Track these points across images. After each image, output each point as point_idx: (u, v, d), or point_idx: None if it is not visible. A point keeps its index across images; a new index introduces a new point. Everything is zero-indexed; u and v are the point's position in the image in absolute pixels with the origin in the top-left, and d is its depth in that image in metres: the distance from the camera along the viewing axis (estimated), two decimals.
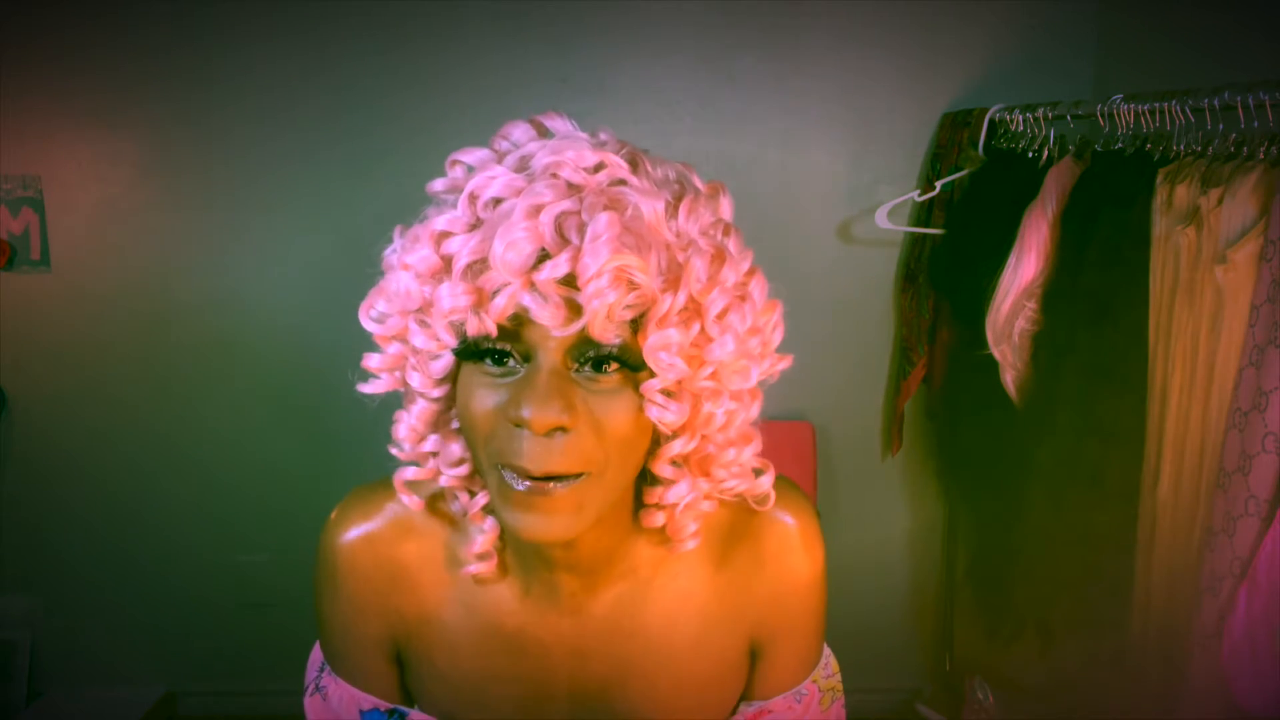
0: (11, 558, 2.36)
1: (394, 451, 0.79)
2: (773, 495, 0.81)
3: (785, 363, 0.75)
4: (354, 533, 0.82)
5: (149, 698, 2.40)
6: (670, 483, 0.75)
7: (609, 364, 0.66)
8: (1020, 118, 1.90)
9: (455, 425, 0.76)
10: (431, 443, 0.77)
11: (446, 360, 0.70)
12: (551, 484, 0.66)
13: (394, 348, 0.72)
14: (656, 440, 0.73)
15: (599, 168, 0.65)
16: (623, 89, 2.23)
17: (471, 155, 0.69)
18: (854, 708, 2.69)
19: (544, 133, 0.70)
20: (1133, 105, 1.55)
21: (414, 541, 0.82)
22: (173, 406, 2.34)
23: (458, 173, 0.70)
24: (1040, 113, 1.83)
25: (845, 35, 2.23)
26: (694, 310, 0.66)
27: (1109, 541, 1.52)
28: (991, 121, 2.04)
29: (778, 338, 0.74)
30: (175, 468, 2.36)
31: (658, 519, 0.78)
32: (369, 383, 0.75)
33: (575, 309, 0.63)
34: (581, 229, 0.62)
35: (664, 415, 0.67)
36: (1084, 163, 1.68)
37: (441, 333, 0.67)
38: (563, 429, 0.65)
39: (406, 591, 0.82)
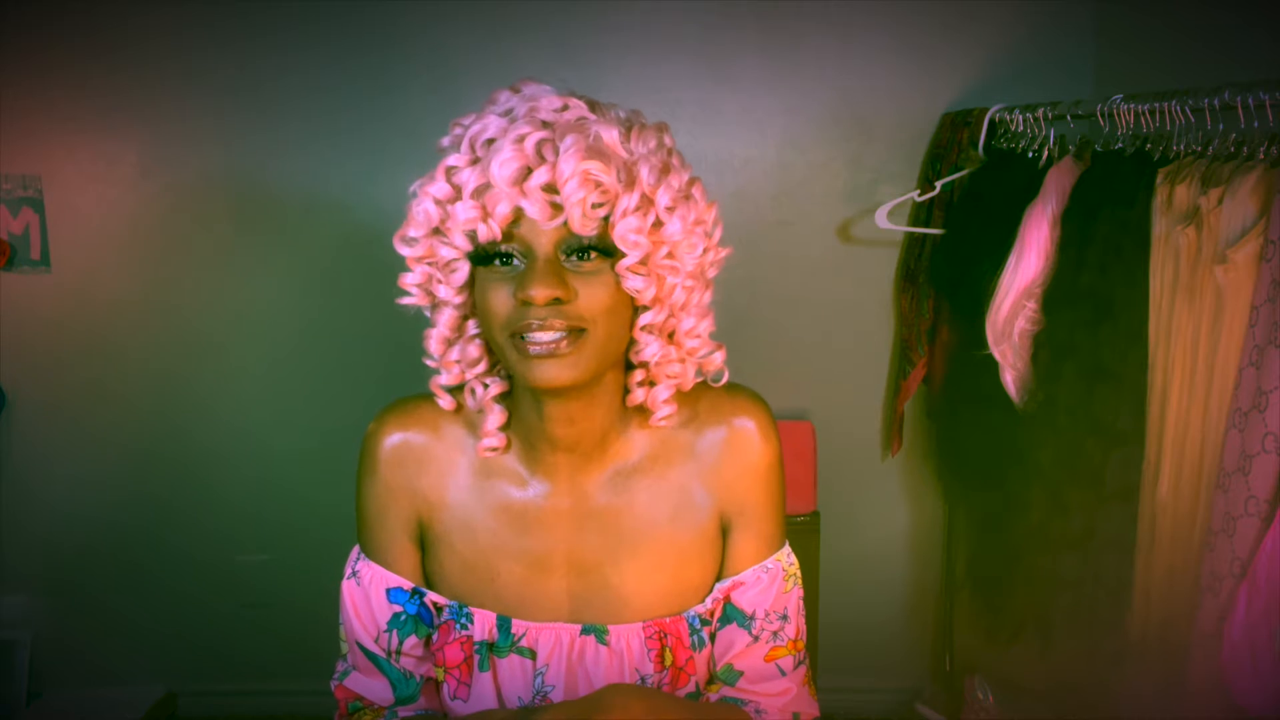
0: (11, 558, 2.36)
1: (426, 361, 0.99)
2: (726, 372, 1.00)
3: (727, 252, 0.96)
4: (392, 430, 1.02)
5: (149, 698, 2.40)
6: (645, 345, 0.94)
7: (589, 253, 0.87)
8: (1020, 118, 1.90)
9: (472, 332, 0.96)
10: (455, 352, 0.97)
11: (464, 271, 0.90)
12: (556, 339, 0.85)
13: (421, 268, 0.93)
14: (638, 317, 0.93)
15: (565, 108, 0.87)
16: (622, 89, 2.23)
17: (468, 118, 0.90)
18: (854, 708, 2.70)
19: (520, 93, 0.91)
20: (1132, 105, 1.55)
21: (440, 439, 1.01)
22: (172, 407, 2.34)
23: (458, 131, 0.90)
24: (1040, 113, 1.83)
25: (845, 35, 2.23)
26: (648, 204, 0.87)
27: (1109, 541, 1.52)
28: (991, 121, 2.04)
29: (719, 232, 0.95)
30: (175, 468, 2.36)
31: (639, 395, 0.98)
32: (404, 298, 0.95)
33: (558, 209, 0.84)
34: (556, 149, 0.84)
35: (635, 284, 0.88)
36: (1084, 163, 1.68)
37: (458, 239, 0.88)
38: (559, 299, 0.85)
39: (432, 475, 1.01)
